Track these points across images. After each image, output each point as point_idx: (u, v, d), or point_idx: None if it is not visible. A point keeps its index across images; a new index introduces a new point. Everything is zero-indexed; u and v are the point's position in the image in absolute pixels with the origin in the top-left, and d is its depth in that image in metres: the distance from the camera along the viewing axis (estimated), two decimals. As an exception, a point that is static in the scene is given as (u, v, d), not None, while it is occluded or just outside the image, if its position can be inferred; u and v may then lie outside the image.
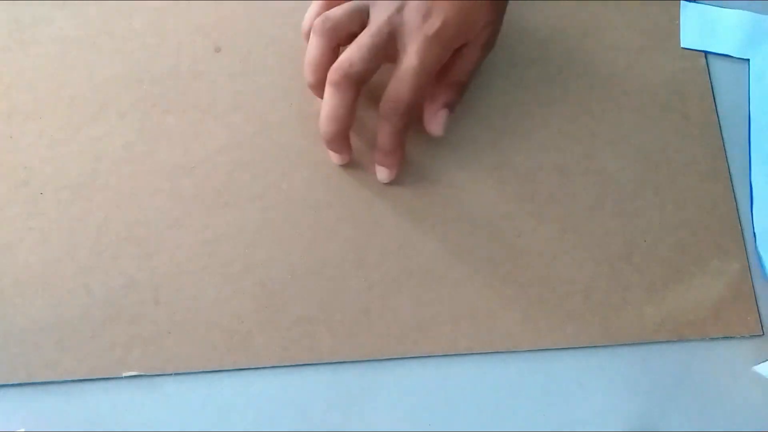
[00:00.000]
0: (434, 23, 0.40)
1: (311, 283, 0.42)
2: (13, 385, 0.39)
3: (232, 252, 0.42)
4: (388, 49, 0.41)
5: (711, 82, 0.50)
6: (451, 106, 0.44)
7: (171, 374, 0.40)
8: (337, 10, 0.41)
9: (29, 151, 0.43)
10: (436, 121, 0.44)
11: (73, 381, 0.40)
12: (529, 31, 0.49)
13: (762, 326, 0.45)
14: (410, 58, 0.40)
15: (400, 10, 0.40)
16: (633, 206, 0.46)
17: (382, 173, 0.44)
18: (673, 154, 0.48)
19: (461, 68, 0.44)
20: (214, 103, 0.45)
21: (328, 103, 0.41)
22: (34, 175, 0.43)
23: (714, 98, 0.49)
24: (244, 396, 0.40)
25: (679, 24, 0.51)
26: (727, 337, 0.45)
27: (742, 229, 0.47)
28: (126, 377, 0.40)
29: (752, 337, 0.45)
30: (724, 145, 0.48)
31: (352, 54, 0.40)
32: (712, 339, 0.45)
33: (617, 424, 0.42)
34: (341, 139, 0.42)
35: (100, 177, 0.43)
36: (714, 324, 0.45)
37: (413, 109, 0.41)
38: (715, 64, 0.50)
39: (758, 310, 0.45)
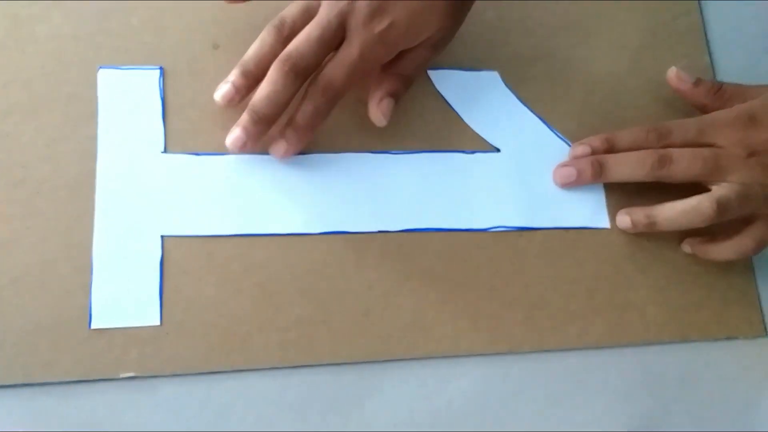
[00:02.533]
0: (382, 22, 0.40)
1: (311, 283, 0.42)
2: (9, 386, 0.39)
3: (231, 252, 0.42)
4: (336, 39, 0.41)
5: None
6: (396, 96, 0.43)
7: (168, 375, 0.40)
8: (291, 10, 0.42)
9: (26, 149, 0.43)
10: (380, 110, 0.43)
11: (70, 382, 0.39)
12: (530, 30, 0.49)
13: (765, 327, 0.45)
14: (352, 48, 0.40)
15: (351, 2, 0.40)
16: (636, 206, 0.46)
17: (281, 148, 0.42)
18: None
19: (409, 64, 0.43)
20: (211, 102, 0.45)
21: (272, 88, 0.40)
22: (31, 173, 0.42)
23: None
24: (242, 398, 0.40)
25: (682, 22, 0.50)
26: (730, 338, 0.45)
27: (745, 229, 0.47)
28: (123, 378, 0.40)
29: (755, 337, 0.45)
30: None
31: (300, 45, 0.40)
32: (715, 339, 0.44)
33: (620, 425, 0.42)
34: (268, 124, 0.42)
35: (97, 176, 0.43)
36: (717, 324, 0.45)
37: (340, 97, 0.41)
38: (720, 62, 0.50)
39: (761, 311, 0.45)
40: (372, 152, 0.45)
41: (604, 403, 0.43)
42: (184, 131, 0.44)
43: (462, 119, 0.47)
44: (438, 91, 0.47)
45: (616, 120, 0.48)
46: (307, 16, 0.41)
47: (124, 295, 0.41)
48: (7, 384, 0.39)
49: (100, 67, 0.44)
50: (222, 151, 0.44)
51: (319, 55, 0.40)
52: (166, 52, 0.45)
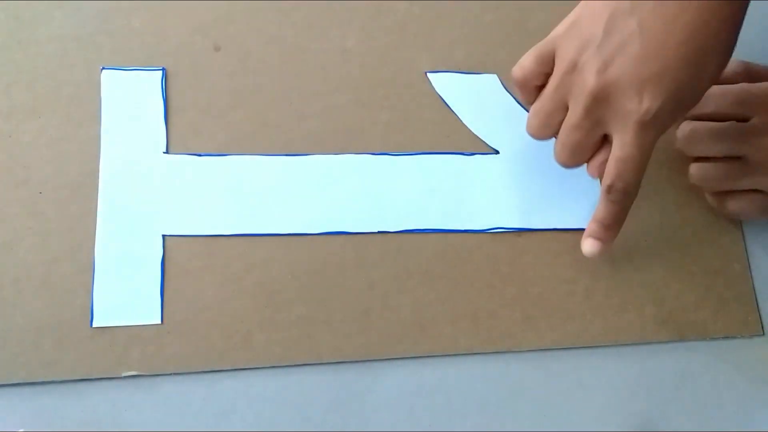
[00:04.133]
0: (650, 107, 0.35)
1: (311, 283, 0.42)
2: (12, 385, 0.39)
3: (232, 251, 0.42)
4: (599, 139, 0.38)
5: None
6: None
7: (170, 374, 0.40)
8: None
9: (28, 150, 0.43)
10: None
11: (72, 381, 0.39)
12: (530, 31, 0.49)
13: (762, 326, 0.45)
14: (627, 148, 0.37)
15: (604, 94, 0.36)
16: (634, 205, 0.46)
17: (593, 246, 0.41)
18: (674, 154, 0.47)
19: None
20: (213, 103, 0.45)
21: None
22: (34, 174, 0.42)
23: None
24: (243, 396, 0.40)
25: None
26: (727, 337, 0.45)
27: (742, 229, 0.47)
28: (125, 377, 0.40)
29: (753, 336, 0.45)
30: (724, 145, 0.48)
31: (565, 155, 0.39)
32: (713, 339, 0.45)
33: (618, 424, 0.42)
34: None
35: (100, 176, 0.43)
36: (714, 324, 0.45)
37: (635, 192, 0.39)
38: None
39: (758, 310, 0.45)
40: (372, 154, 0.45)
41: (602, 403, 0.43)
42: (186, 132, 0.44)
43: (461, 121, 0.47)
44: (438, 94, 0.47)
45: (614, 121, 0.48)
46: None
47: (126, 293, 0.41)
48: (9, 383, 0.39)
49: (104, 68, 0.45)
50: (223, 151, 0.44)
51: (583, 155, 0.39)
52: (168, 53, 0.46)
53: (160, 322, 0.41)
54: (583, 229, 0.45)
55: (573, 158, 0.39)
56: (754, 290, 0.46)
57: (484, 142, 0.46)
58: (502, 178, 0.46)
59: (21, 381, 0.39)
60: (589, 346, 0.43)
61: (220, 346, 0.41)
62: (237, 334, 0.41)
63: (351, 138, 0.45)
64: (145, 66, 0.45)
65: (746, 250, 0.46)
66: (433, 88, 0.47)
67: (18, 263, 0.41)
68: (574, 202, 0.46)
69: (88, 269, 0.41)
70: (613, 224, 0.40)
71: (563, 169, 0.46)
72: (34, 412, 0.39)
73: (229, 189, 0.44)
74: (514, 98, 0.48)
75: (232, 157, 0.44)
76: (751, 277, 0.46)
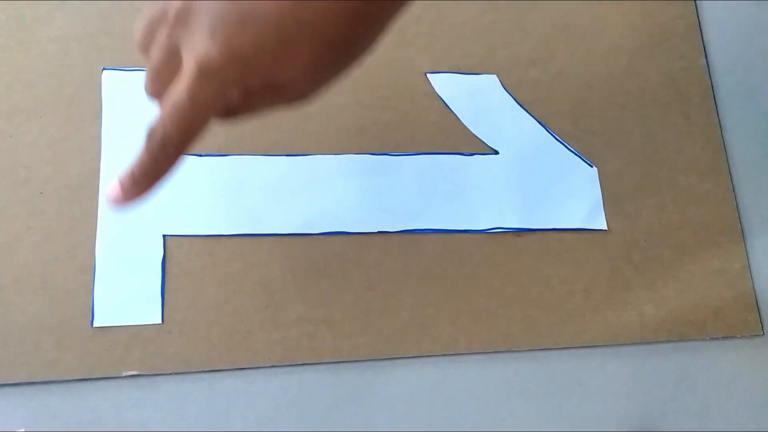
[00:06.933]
0: (211, 51, 0.28)
1: (311, 283, 0.42)
2: (13, 385, 0.39)
3: (233, 251, 0.42)
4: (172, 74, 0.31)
5: (711, 82, 0.50)
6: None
7: (170, 374, 0.40)
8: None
9: (29, 150, 0.43)
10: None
11: (73, 380, 0.40)
12: (529, 31, 0.49)
13: (762, 326, 0.45)
14: (180, 89, 0.30)
15: (184, 14, 0.29)
16: (633, 206, 0.46)
17: (112, 194, 0.32)
18: (674, 153, 0.48)
19: (244, 116, 0.33)
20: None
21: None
22: (34, 174, 0.43)
23: (714, 98, 0.49)
24: (244, 396, 0.40)
25: (679, 24, 0.51)
26: (727, 337, 0.45)
27: (742, 229, 0.47)
28: (126, 377, 0.40)
29: (752, 336, 0.45)
30: (724, 145, 0.48)
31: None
32: (713, 339, 0.44)
33: (617, 424, 0.42)
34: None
35: (101, 176, 0.43)
36: (714, 324, 0.45)
37: (183, 149, 0.31)
38: (716, 64, 0.50)
39: (758, 310, 0.45)
40: (372, 154, 0.45)
41: (602, 402, 0.43)
42: (186, 132, 0.44)
43: (461, 122, 0.47)
44: (437, 94, 0.47)
45: (613, 122, 0.48)
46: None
47: (127, 293, 0.41)
48: (10, 382, 0.39)
49: (105, 69, 0.45)
50: (223, 151, 0.44)
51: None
52: (169, 54, 0.46)
53: (160, 321, 0.41)
54: (582, 230, 0.45)
55: (151, 84, 0.32)
56: (754, 290, 0.46)
57: (483, 142, 0.47)
58: (501, 178, 0.46)
59: (22, 381, 0.39)
60: (588, 346, 0.43)
61: (221, 345, 0.41)
62: (237, 333, 0.41)
63: (351, 138, 0.46)
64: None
65: (746, 250, 0.46)
66: (433, 89, 0.47)
67: (19, 263, 0.41)
68: (574, 202, 0.46)
69: (88, 269, 0.41)
70: (140, 178, 0.32)
71: (563, 170, 0.46)
72: (35, 411, 0.39)
73: (229, 189, 0.44)
74: (514, 99, 0.48)
75: (232, 157, 0.44)
76: (751, 276, 0.46)
